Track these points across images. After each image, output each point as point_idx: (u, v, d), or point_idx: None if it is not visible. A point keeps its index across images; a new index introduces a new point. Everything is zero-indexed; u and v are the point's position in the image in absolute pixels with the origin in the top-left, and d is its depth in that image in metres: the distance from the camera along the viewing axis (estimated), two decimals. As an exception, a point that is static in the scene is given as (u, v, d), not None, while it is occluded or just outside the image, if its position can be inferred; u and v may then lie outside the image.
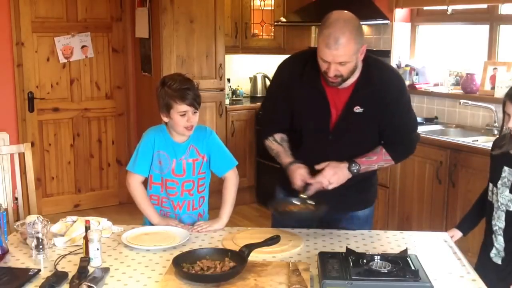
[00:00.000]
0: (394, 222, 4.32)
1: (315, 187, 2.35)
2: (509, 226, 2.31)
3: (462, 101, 4.26)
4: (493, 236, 2.37)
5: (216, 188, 2.78)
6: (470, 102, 4.20)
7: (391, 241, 2.40)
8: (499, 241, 2.35)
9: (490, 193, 2.39)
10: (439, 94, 4.63)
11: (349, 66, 2.26)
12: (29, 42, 5.05)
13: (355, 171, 2.37)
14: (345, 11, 2.27)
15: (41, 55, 5.15)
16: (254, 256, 2.13)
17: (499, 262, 2.35)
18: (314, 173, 2.37)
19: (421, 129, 4.27)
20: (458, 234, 2.50)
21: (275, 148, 2.53)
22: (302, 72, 2.42)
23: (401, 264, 1.97)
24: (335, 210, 2.45)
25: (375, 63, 2.42)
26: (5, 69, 4.98)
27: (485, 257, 2.39)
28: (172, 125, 2.55)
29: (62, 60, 5.25)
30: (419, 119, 4.57)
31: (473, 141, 3.87)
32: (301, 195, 2.37)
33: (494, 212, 2.36)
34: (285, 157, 2.47)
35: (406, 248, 2.09)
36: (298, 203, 2.39)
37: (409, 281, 1.88)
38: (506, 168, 2.30)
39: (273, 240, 2.20)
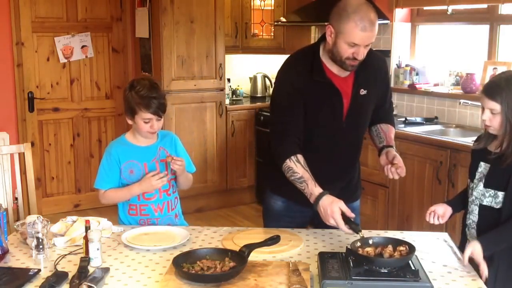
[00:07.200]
0: (394, 222, 4.32)
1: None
2: (482, 220, 2.34)
3: (462, 101, 4.26)
4: (467, 230, 2.41)
5: (182, 195, 2.85)
6: (470, 102, 4.19)
7: (391, 241, 2.40)
8: (472, 235, 2.37)
9: (469, 190, 2.42)
10: (439, 94, 4.63)
11: (369, 46, 2.33)
12: (29, 42, 5.05)
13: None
14: None
15: (41, 55, 5.15)
16: (254, 256, 2.13)
17: None
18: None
19: (421, 129, 4.30)
20: (449, 210, 2.46)
21: (300, 172, 2.30)
22: (310, 69, 2.40)
23: (401, 264, 1.97)
24: None
25: None
26: (5, 69, 4.98)
27: (460, 251, 2.40)
28: (136, 128, 2.62)
29: (62, 60, 5.25)
30: (419, 119, 4.59)
31: (473, 141, 3.86)
32: (360, 234, 2.14)
33: (468, 207, 2.40)
34: (313, 186, 2.27)
35: (406, 248, 2.09)
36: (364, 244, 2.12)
37: (409, 281, 1.88)
38: (482, 163, 2.35)
39: (273, 240, 2.20)
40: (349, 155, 2.60)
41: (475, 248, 2.13)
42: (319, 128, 2.46)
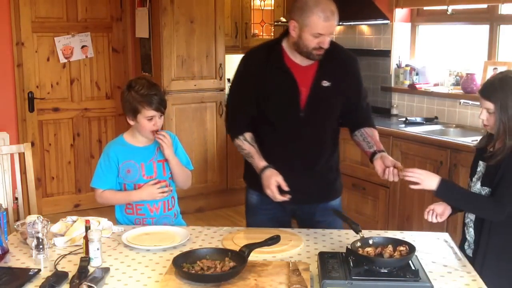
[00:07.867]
0: (394, 222, 4.32)
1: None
2: (479, 218, 2.35)
3: (462, 101, 4.26)
4: (465, 228, 2.42)
5: (182, 195, 2.85)
6: (470, 102, 4.19)
7: (391, 241, 2.40)
8: (470, 234, 2.39)
9: (468, 188, 2.44)
10: (439, 94, 4.62)
11: (331, 34, 2.45)
12: (29, 42, 5.05)
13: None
14: None
15: (41, 55, 5.15)
16: (254, 256, 2.13)
17: (471, 254, 2.39)
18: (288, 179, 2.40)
19: (421, 129, 4.30)
20: (448, 209, 2.43)
21: (247, 148, 2.56)
22: (267, 58, 2.52)
23: (401, 264, 1.97)
24: (308, 202, 2.59)
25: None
26: (5, 69, 4.98)
27: (461, 250, 2.41)
28: (138, 128, 2.61)
29: (62, 60, 5.25)
30: (419, 119, 4.59)
31: (473, 141, 3.85)
32: (360, 234, 2.16)
33: None
34: (259, 160, 2.51)
35: (406, 248, 2.09)
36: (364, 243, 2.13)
37: (409, 281, 1.88)
38: (481, 162, 2.37)
39: (273, 240, 2.20)
40: (315, 150, 2.59)
41: (429, 180, 2.26)
42: (278, 116, 2.54)
